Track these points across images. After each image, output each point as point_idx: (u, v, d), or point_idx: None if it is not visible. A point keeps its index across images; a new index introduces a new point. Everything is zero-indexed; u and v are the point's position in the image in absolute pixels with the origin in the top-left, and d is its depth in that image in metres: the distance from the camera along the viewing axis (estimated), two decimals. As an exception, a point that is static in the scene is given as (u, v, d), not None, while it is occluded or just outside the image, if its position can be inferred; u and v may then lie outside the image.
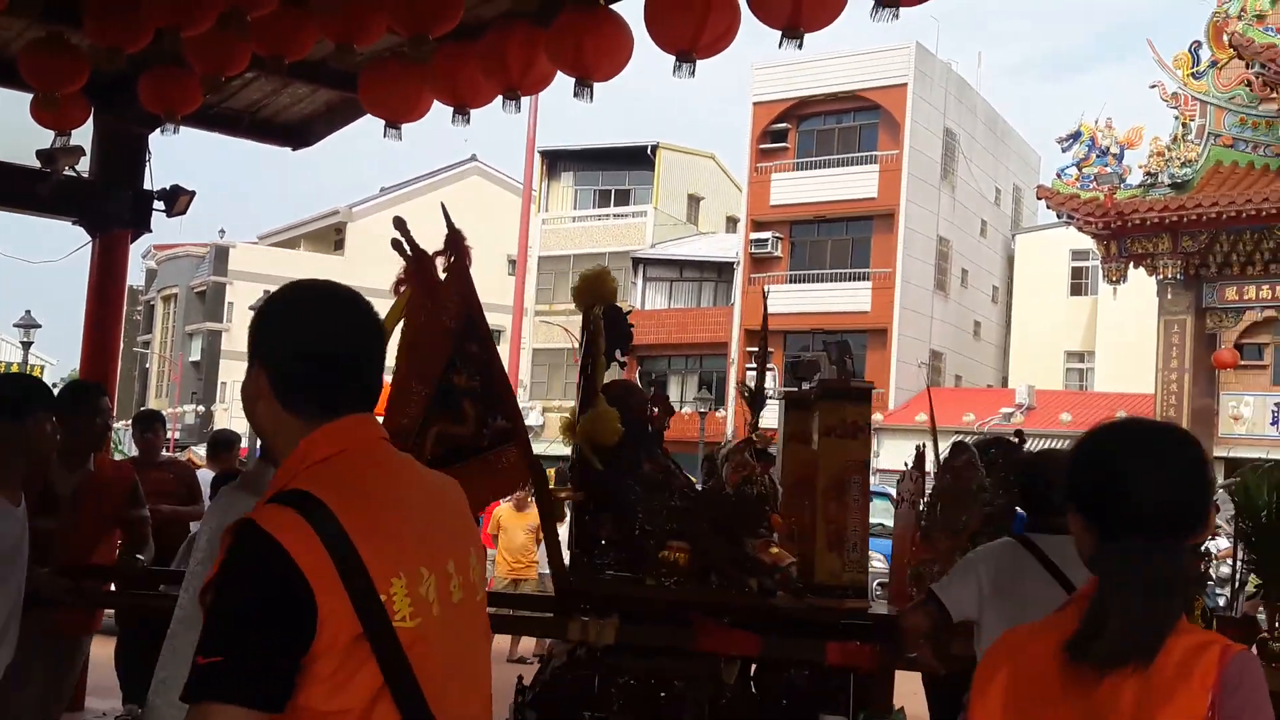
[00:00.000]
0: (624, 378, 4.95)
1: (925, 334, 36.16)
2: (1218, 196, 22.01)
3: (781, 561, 4.63)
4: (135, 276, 49.73)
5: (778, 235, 36.48)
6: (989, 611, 3.57)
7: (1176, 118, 23.53)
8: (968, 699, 1.92)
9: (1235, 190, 22.14)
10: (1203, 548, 5.79)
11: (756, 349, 6.43)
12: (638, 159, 42.81)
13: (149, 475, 6.42)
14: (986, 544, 3.86)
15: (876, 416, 18.31)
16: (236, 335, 45.14)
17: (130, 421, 9.87)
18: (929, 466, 5.36)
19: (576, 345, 5.16)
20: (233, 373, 44.26)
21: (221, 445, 8.98)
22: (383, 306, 2.46)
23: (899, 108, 35.27)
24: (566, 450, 5.10)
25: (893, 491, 8.97)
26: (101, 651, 6.72)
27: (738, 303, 37.05)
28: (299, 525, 1.65)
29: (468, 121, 5.89)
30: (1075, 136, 24.05)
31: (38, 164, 7.45)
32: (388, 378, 2.90)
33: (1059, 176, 24.09)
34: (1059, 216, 24.70)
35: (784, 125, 37.14)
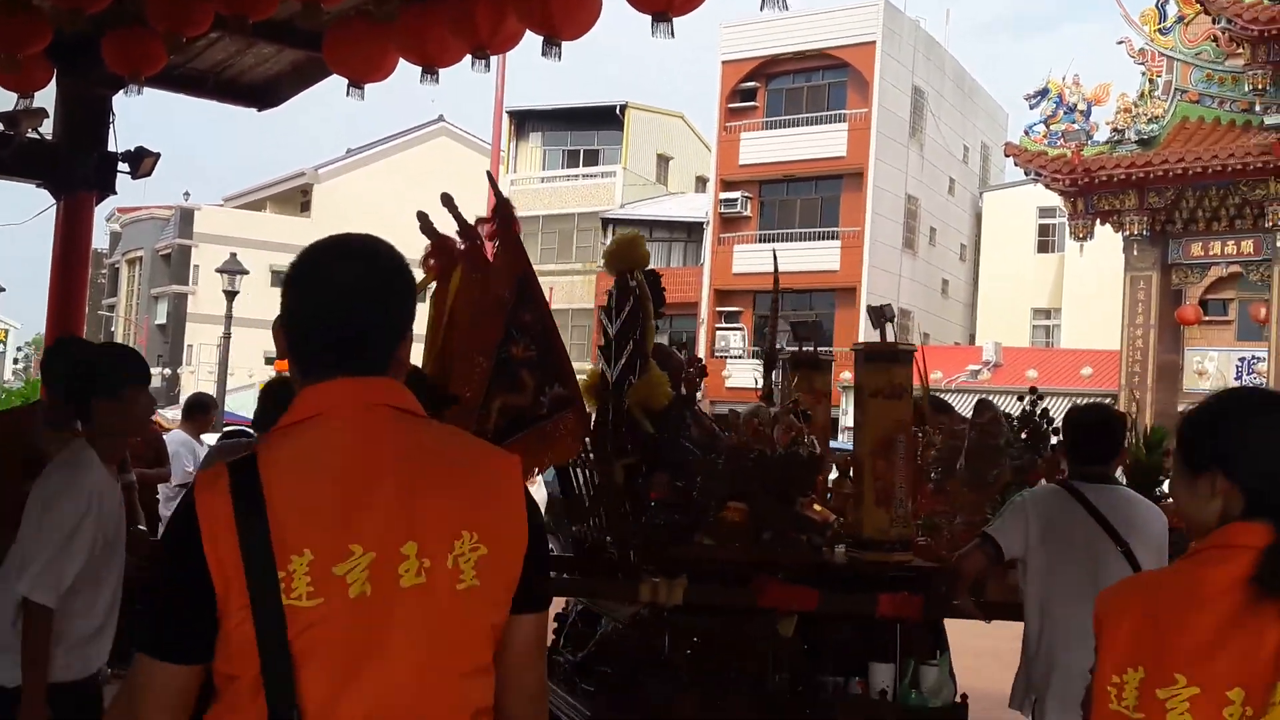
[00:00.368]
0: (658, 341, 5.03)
1: (894, 292, 36.34)
2: (1184, 153, 22.09)
3: (828, 519, 4.93)
4: (100, 239, 49.11)
5: (747, 195, 36.47)
6: (1037, 550, 3.99)
7: (1143, 74, 23.54)
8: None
9: (1201, 146, 22.23)
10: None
11: (768, 314, 6.47)
12: (606, 119, 42.59)
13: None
14: (1034, 489, 4.35)
15: (845, 375, 18.38)
16: (202, 298, 44.61)
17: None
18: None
19: (602, 310, 5.18)
20: (199, 335, 43.89)
21: (198, 408, 8.98)
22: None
23: (867, 66, 35.23)
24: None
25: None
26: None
27: (707, 262, 37.03)
28: (219, 488, 1.67)
29: (436, 81, 5.83)
30: (1043, 93, 24.05)
31: (1, 127, 7.36)
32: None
33: (1026, 134, 24.10)
34: (1026, 174, 24.71)
35: (753, 84, 37.06)
